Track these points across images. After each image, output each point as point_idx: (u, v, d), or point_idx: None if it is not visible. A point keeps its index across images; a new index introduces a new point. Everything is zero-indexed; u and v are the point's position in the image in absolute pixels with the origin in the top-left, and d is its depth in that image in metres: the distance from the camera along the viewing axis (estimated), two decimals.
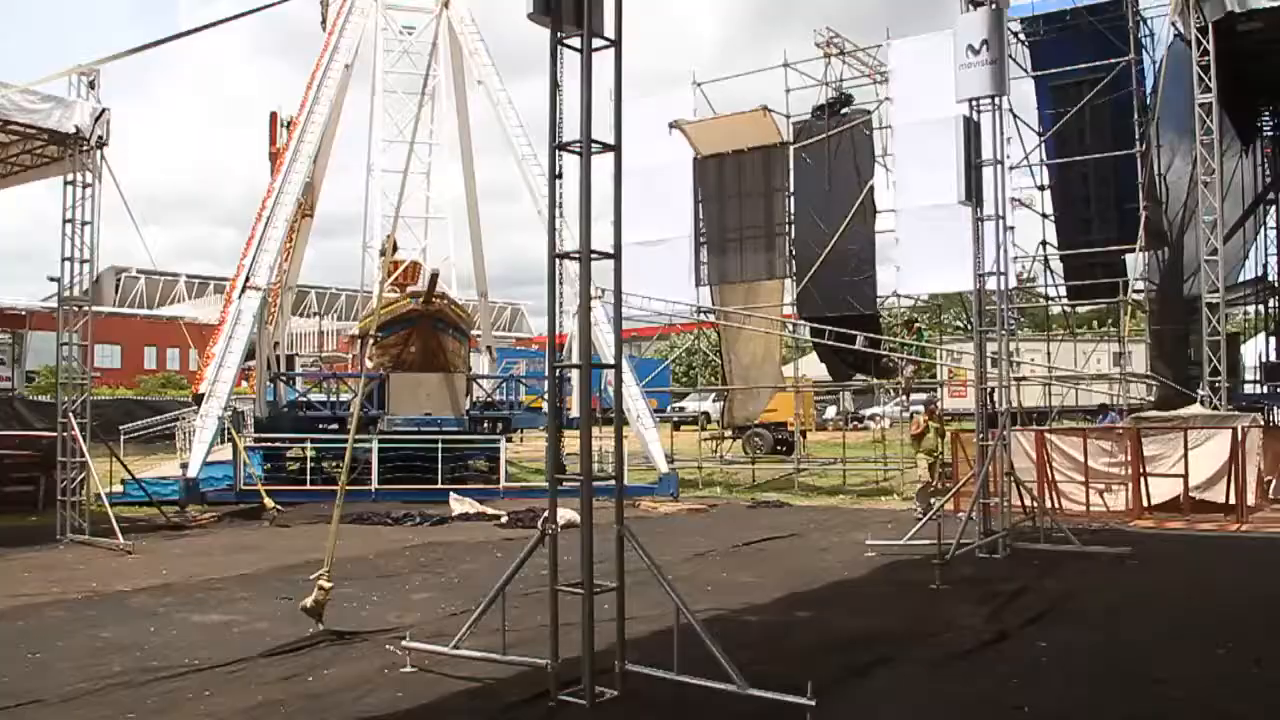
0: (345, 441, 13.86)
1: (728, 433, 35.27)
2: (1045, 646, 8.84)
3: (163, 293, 70.85)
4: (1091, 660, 8.45)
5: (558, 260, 7.28)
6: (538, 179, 22.87)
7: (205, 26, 12.29)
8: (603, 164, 7.00)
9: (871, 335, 23.37)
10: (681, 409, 43.85)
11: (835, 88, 23.94)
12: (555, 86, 7.09)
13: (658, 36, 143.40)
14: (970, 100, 14.17)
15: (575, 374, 7.71)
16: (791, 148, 23.96)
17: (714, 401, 41.95)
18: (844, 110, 23.75)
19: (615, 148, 7.00)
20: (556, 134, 7.21)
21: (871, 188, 23.22)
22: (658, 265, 24.75)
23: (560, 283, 8.03)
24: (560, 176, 7.54)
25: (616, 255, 7.11)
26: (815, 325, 23.65)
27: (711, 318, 26.38)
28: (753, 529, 16.97)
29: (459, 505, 19.42)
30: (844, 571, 12.83)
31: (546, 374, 8.10)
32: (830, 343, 23.37)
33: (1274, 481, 17.88)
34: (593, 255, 6.99)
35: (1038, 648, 8.81)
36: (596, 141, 6.90)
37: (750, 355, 26.39)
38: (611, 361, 23.26)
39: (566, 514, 8.50)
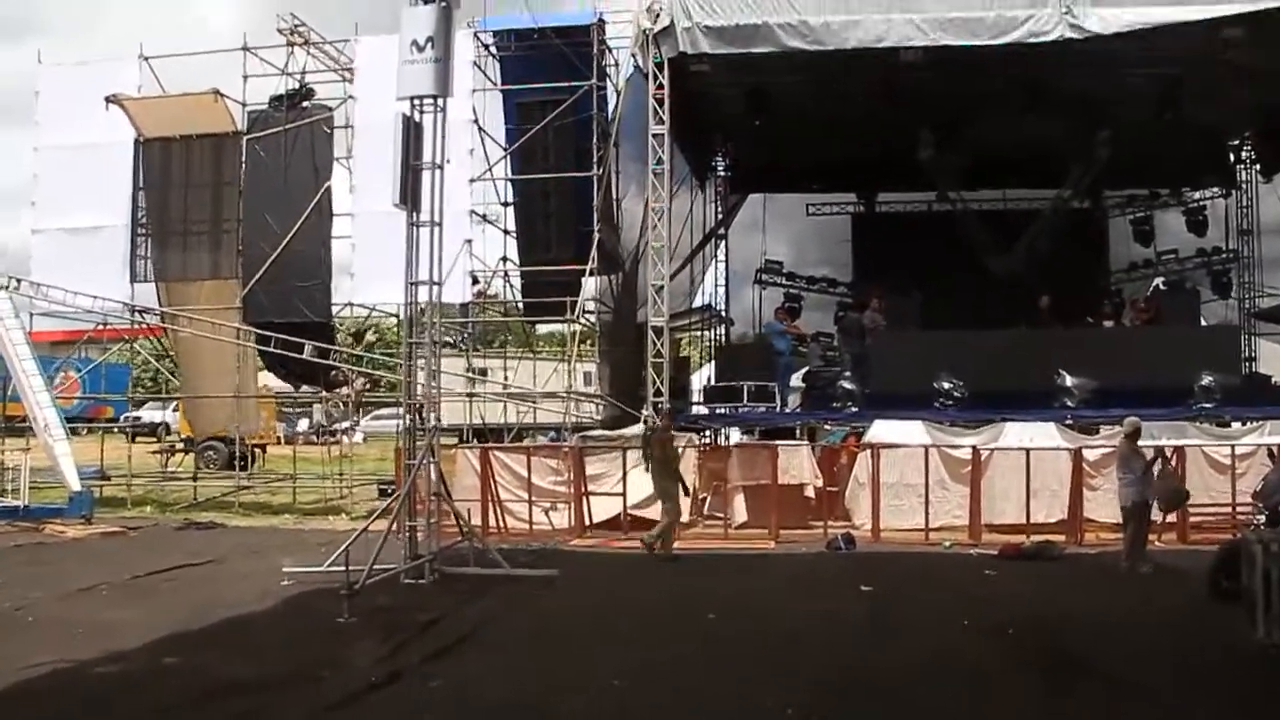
0: None
1: (179, 445, 32.64)
2: (437, 686, 8.13)
3: None
4: (484, 696, 7.91)
5: None
6: None
7: None
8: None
9: (321, 345, 22.04)
10: (138, 419, 40.25)
11: (298, 79, 22.44)
12: None
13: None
14: (412, 99, 13.47)
15: None
16: (245, 138, 22.10)
17: (174, 411, 38.77)
18: (304, 104, 22.26)
19: None
20: None
21: (329, 189, 21.87)
22: (90, 256, 22.00)
23: None
24: None
25: None
26: (261, 332, 21.89)
27: (150, 319, 23.74)
28: (170, 555, 15.05)
29: None
30: (251, 604, 11.48)
31: None
32: (276, 351, 21.74)
33: (708, 498, 18.55)
34: None
35: (429, 689, 8.07)
36: None
37: (207, 362, 23.98)
38: (19, 359, 20.04)
39: None
